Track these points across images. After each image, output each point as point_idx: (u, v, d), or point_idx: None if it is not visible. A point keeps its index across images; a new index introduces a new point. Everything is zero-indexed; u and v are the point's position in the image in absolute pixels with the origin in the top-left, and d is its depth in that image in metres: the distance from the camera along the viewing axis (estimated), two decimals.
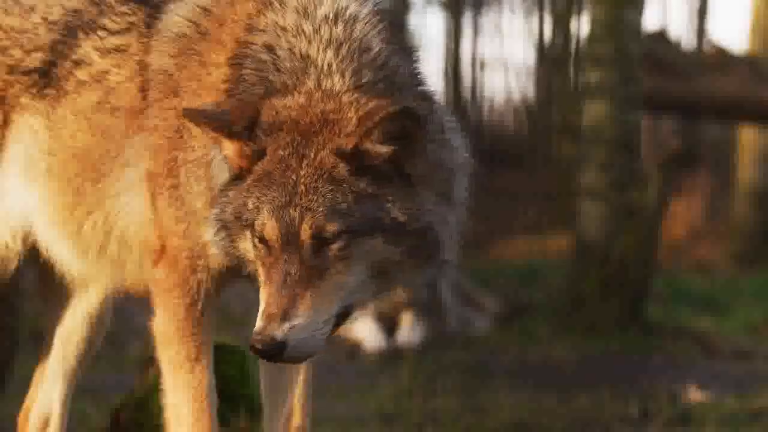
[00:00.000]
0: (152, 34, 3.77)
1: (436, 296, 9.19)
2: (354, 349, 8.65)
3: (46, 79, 3.91)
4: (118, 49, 3.84)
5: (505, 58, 20.97)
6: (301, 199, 3.26)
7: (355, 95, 3.34)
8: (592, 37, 8.95)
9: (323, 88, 3.37)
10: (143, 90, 3.74)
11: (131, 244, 3.77)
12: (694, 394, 6.79)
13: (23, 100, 3.93)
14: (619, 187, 8.74)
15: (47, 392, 4.35)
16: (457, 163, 3.50)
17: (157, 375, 3.79)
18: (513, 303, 10.03)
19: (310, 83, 3.39)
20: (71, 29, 3.91)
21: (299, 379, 3.84)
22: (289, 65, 3.42)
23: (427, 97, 3.50)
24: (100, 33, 3.87)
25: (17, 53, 3.95)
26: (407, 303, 8.93)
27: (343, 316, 3.34)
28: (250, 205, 3.32)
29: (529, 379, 7.33)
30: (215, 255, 3.56)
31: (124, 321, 7.89)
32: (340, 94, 3.35)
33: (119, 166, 3.75)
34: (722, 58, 12.27)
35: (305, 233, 3.25)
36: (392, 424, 6.12)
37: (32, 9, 3.98)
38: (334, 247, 3.26)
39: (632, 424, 6.13)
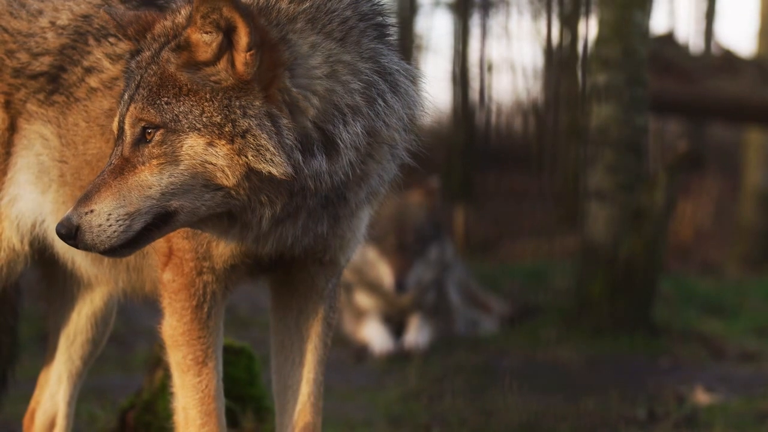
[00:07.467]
0: None
1: (444, 298, 9.19)
2: (362, 350, 8.64)
3: (55, 84, 3.91)
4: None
5: (513, 60, 20.96)
6: (134, 93, 3.34)
7: None
8: (599, 39, 8.93)
9: None
10: None
11: (146, 251, 3.77)
12: (702, 396, 6.78)
13: (30, 106, 3.92)
14: (626, 189, 8.72)
15: (52, 393, 4.36)
16: (359, 110, 3.42)
17: (165, 376, 3.79)
18: (520, 305, 10.01)
19: None
20: (81, 35, 3.91)
21: (310, 378, 3.83)
22: None
23: (347, 43, 3.43)
24: (111, 39, 3.87)
25: (24, 56, 3.94)
26: (415, 305, 8.93)
27: (165, 218, 3.32)
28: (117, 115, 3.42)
29: (536, 381, 7.31)
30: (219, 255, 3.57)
31: (131, 322, 7.90)
32: None
33: None
34: (730, 60, 12.25)
35: (126, 123, 3.32)
36: (400, 426, 6.12)
37: (39, 12, 3.98)
38: (151, 144, 3.29)
39: (639, 425, 6.12)
